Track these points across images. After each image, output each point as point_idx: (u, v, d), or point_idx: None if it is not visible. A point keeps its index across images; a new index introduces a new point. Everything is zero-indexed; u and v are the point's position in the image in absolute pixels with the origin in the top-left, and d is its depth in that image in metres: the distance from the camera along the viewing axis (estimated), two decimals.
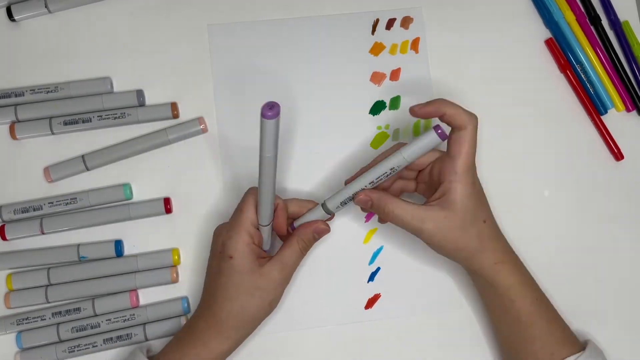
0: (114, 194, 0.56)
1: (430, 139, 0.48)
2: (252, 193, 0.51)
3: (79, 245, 0.56)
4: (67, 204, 0.56)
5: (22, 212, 0.56)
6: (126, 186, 0.57)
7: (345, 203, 0.51)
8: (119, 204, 0.57)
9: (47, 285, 0.55)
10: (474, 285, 0.55)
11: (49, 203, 0.56)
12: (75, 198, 0.56)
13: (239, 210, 0.51)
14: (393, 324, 0.57)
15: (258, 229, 0.51)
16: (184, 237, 0.57)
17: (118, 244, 0.56)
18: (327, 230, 0.52)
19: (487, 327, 0.57)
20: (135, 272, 0.56)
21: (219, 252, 0.50)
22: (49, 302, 0.55)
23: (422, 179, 0.53)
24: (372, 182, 0.50)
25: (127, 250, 0.57)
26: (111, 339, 0.55)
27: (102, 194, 0.56)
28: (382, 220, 0.55)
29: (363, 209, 0.55)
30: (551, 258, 0.58)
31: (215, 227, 0.52)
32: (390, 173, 0.49)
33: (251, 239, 0.50)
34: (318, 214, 0.51)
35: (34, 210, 0.56)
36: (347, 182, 0.52)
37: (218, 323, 0.49)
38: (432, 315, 0.57)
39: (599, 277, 0.59)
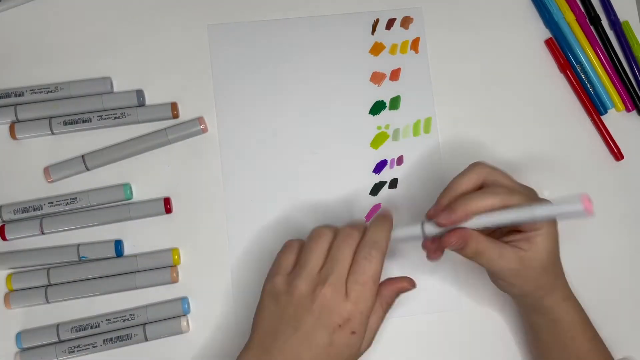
0: (114, 194, 0.56)
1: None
2: (380, 261, 0.45)
3: (78, 245, 0.56)
4: (67, 204, 0.56)
5: (22, 212, 0.55)
6: (126, 186, 0.57)
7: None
8: (119, 204, 0.57)
9: (47, 286, 0.55)
10: (531, 323, 0.53)
11: (49, 203, 0.56)
12: (75, 198, 0.56)
13: (367, 283, 0.44)
14: (393, 324, 0.57)
15: None
16: (184, 237, 0.57)
17: (118, 244, 0.56)
18: (413, 286, 0.48)
19: (486, 327, 0.57)
20: (135, 272, 0.56)
21: (336, 326, 0.43)
22: (49, 302, 0.55)
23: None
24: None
25: (127, 250, 0.57)
26: (111, 339, 0.55)
27: (102, 194, 0.56)
28: (439, 249, 0.49)
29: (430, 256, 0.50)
30: None
31: (317, 287, 0.44)
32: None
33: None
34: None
35: (34, 210, 0.56)
36: (429, 216, 0.47)
37: None
38: (432, 315, 0.57)
39: (599, 277, 0.59)
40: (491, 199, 0.46)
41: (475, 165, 0.49)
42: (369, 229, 0.47)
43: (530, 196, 0.48)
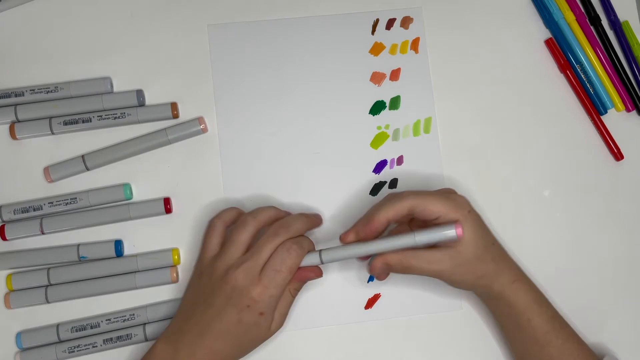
0: (114, 194, 0.56)
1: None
2: (297, 255, 0.50)
3: (78, 245, 0.56)
4: (67, 204, 0.56)
5: (22, 212, 0.55)
6: (126, 186, 0.57)
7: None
8: (119, 204, 0.57)
9: (47, 286, 0.55)
10: (491, 311, 0.55)
11: (49, 203, 0.56)
12: (75, 198, 0.56)
13: (281, 270, 0.49)
14: (393, 324, 0.57)
15: None
16: (184, 237, 0.57)
17: (118, 244, 0.56)
18: (319, 276, 0.52)
19: (486, 327, 0.57)
20: (135, 272, 0.56)
21: (245, 306, 0.49)
22: (48, 302, 0.55)
23: (415, 222, 0.54)
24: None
25: (127, 250, 0.57)
26: (111, 339, 0.55)
27: (102, 193, 0.56)
28: (395, 272, 0.52)
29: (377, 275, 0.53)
30: (551, 258, 0.58)
31: (230, 269, 0.50)
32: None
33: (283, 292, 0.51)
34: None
35: (34, 210, 0.56)
36: (342, 238, 0.52)
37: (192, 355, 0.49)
38: (432, 315, 0.57)
39: (599, 277, 0.59)
40: (398, 204, 0.50)
41: (387, 195, 0.53)
42: (295, 225, 0.51)
43: (445, 194, 0.51)
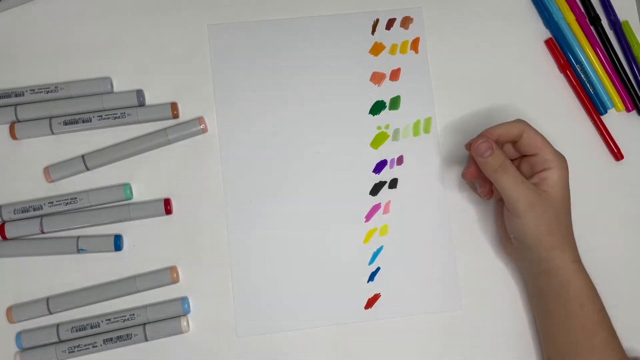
0: (114, 194, 0.56)
1: None
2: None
3: (78, 237, 0.56)
4: (67, 203, 0.56)
5: (22, 211, 0.55)
6: (126, 186, 0.57)
7: None
8: (119, 204, 0.57)
9: (49, 296, 0.55)
10: (536, 289, 0.54)
11: (49, 203, 0.56)
12: (75, 198, 0.56)
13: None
14: (393, 324, 0.57)
15: None
16: (184, 237, 0.57)
17: (117, 239, 0.56)
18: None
19: (486, 327, 0.57)
20: (135, 275, 0.56)
21: None
22: (51, 313, 0.55)
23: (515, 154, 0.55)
24: None
25: (127, 249, 0.57)
26: (111, 339, 0.55)
27: (102, 193, 0.56)
28: (486, 186, 0.54)
29: (465, 176, 0.55)
30: None
31: None
32: None
33: None
34: None
35: (34, 210, 0.56)
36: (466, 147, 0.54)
37: None
38: (432, 315, 0.57)
39: (599, 277, 0.58)
40: (512, 123, 0.52)
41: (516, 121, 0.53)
42: None
43: (557, 155, 0.52)
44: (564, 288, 0.51)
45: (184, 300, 0.56)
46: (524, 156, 0.54)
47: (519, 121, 0.52)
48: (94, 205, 0.56)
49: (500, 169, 0.50)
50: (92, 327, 0.55)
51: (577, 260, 0.52)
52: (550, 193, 0.50)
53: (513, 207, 0.50)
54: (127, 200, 0.57)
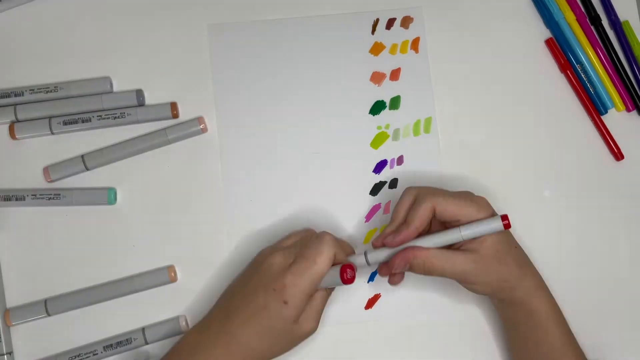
0: (98, 198, 0.56)
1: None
2: (330, 245, 0.48)
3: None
4: (49, 199, 0.56)
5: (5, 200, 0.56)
6: (111, 190, 0.56)
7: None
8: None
9: (47, 299, 0.55)
10: (505, 319, 0.53)
11: (32, 195, 0.56)
12: (59, 194, 0.56)
13: (313, 258, 0.47)
14: (393, 324, 0.57)
15: None
16: (183, 237, 0.57)
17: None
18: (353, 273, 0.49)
19: (486, 327, 0.57)
20: (133, 275, 0.56)
21: (272, 289, 0.47)
22: (49, 315, 0.55)
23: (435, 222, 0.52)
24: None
25: (126, 248, 0.57)
26: (111, 345, 0.55)
27: (87, 195, 0.56)
28: (416, 272, 0.50)
29: (382, 272, 0.51)
30: (551, 257, 0.58)
31: (272, 253, 0.49)
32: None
33: (312, 292, 0.48)
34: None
35: (17, 200, 0.56)
36: (374, 245, 0.51)
37: (240, 355, 0.47)
38: (432, 316, 0.57)
39: (599, 277, 0.59)
40: (425, 205, 0.49)
41: (406, 190, 0.52)
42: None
43: (466, 196, 0.50)
44: (531, 316, 0.51)
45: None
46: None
47: (428, 200, 0.49)
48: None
49: (425, 270, 0.49)
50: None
51: (540, 286, 0.51)
52: (482, 250, 0.49)
53: (460, 282, 0.50)
54: (110, 205, 0.57)
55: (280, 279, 0.47)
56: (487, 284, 0.50)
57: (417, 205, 0.50)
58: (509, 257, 0.50)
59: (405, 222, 0.50)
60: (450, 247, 0.50)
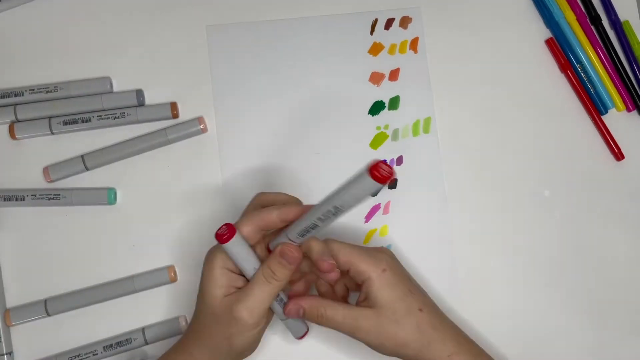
0: (98, 199, 0.57)
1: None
2: (252, 205, 0.48)
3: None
4: (49, 198, 0.56)
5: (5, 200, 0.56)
6: (110, 191, 0.57)
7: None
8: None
9: (47, 299, 0.55)
10: None
11: (31, 195, 0.56)
12: (59, 194, 0.56)
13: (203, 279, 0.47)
14: None
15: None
16: (183, 237, 0.57)
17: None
18: (296, 255, 0.46)
19: (485, 327, 0.57)
20: (133, 275, 0.56)
21: (200, 290, 0.47)
22: (49, 315, 0.55)
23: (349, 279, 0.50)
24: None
25: (126, 248, 0.57)
26: (111, 345, 0.55)
27: (87, 195, 0.57)
28: (316, 322, 0.48)
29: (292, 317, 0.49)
30: (551, 257, 0.58)
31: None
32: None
33: (225, 280, 0.46)
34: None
35: (17, 200, 0.56)
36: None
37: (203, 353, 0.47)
38: None
39: (599, 277, 0.58)
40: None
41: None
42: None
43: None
44: None
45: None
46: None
47: (325, 242, 0.47)
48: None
49: (317, 319, 0.47)
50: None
51: (456, 351, 0.47)
52: (380, 308, 0.46)
53: (368, 344, 0.47)
54: (110, 205, 0.57)
55: (203, 277, 0.47)
56: (385, 347, 0.46)
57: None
58: (408, 320, 0.46)
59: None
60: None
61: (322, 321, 0.47)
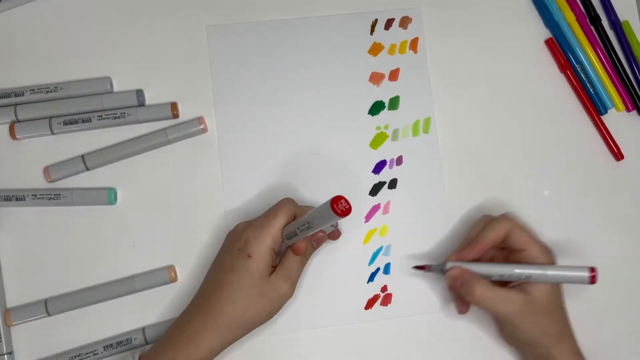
0: (98, 198, 0.57)
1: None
2: (289, 203, 0.51)
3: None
4: (49, 199, 0.56)
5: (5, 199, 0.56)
6: (111, 191, 0.57)
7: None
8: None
9: (47, 299, 0.55)
10: None
11: (32, 195, 0.56)
12: (60, 194, 0.56)
13: (272, 213, 0.50)
14: (393, 324, 0.57)
15: (282, 240, 0.51)
16: (183, 236, 0.57)
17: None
18: (325, 238, 0.52)
19: (486, 327, 0.57)
20: (133, 275, 0.56)
21: (237, 249, 0.49)
22: (49, 315, 0.55)
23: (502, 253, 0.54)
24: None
25: (126, 248, 0.57)
26: (111, 345, 0.55)
27: (87, 195, 0.57)
28: (463, 303, 0.54)
29: (450, 287, 0.53)
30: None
31: (237, 224, 0.52)
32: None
33: (274, 245, 0.50)
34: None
35: (17, 200, 0.56)
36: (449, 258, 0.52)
37: (215, 322, 0.49)
38: (432, 316, 0.57)
39: (599, 277, 0.58)
40: (497, 227, 0.51)
41: (483, 216, 0.54)
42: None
43: (544, 250, 0.51)
44: None
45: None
46: (503, 248, 0.53)
47: (505, 220, 0.51)
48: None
49: (474, 299, 0.49)
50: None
51: (576, 352, 0.51)
52: (539, 296, 0.49)
53: (503, 321, 0.50)
54: (111, 204, 0.57)
55: (242, 237, 0.50)
56: (529, 333, 0.49)
57: (490, 227, 0.51)
58: (558, 313, 0.50)
59: (474, 241, 0.51)
60: (503, 284, 0.50)
61: (481, 301, 0.49)
